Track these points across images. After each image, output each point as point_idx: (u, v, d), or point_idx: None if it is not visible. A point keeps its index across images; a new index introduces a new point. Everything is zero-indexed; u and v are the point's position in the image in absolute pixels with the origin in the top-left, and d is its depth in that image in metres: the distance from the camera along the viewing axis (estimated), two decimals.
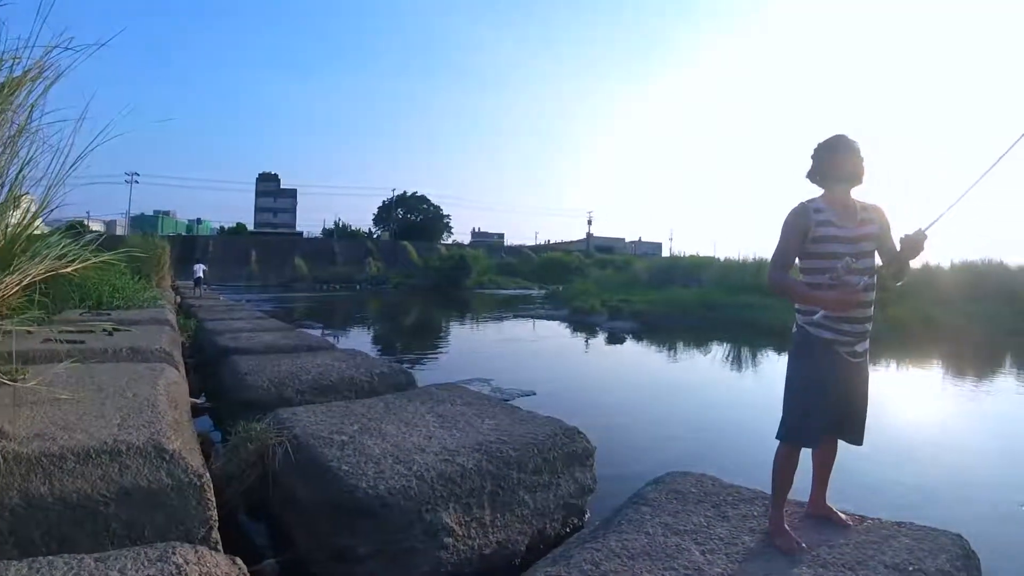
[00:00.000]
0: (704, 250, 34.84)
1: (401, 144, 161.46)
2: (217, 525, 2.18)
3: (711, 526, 2.42)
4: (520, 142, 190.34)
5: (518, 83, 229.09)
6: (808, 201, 2.41)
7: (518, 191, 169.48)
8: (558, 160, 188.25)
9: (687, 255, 25.49)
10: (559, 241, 73.15)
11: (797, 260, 2.38)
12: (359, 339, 10.45)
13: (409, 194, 63.80)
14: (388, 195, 64.30)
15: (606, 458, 3.61)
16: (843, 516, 2.55)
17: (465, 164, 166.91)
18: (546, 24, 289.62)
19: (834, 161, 2.36)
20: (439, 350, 9.32)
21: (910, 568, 2.11)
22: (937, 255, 16.91)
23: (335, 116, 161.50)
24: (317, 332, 10.26)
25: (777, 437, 2.42)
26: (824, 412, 2.33)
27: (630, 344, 11.55)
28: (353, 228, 60.68)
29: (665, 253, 59.22)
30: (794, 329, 2.48)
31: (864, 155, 2.36)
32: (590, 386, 7.25)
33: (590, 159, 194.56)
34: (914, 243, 2.15)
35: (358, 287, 32.84)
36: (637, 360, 9.89)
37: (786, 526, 2.38)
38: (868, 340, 2.38)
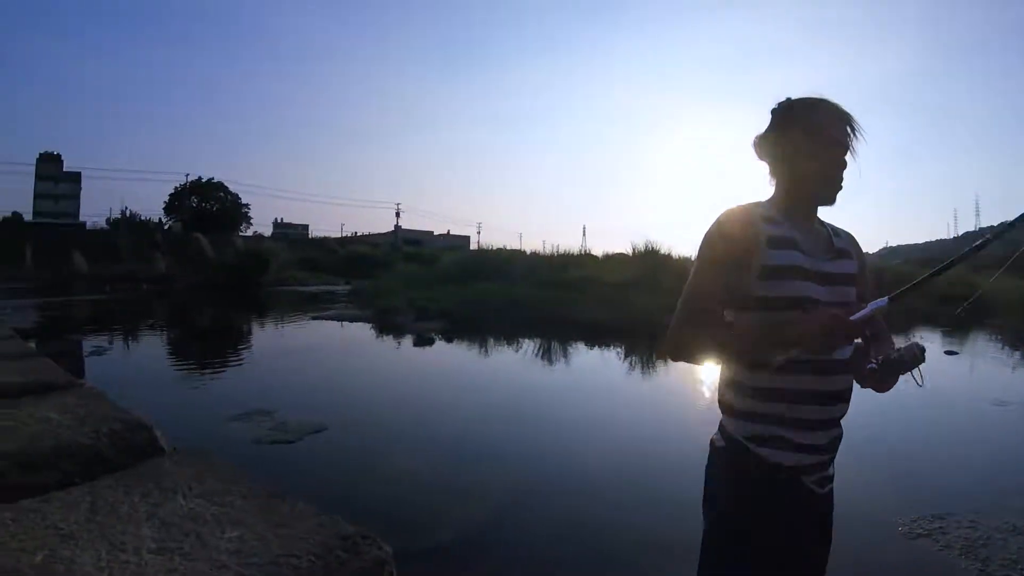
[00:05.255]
0: (511, 243, 35.34)
1: (198, 126, 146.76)
2: None
3: None
4: (326, 131, 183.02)
5: (324, 69, 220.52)
6: (753, 204, 1.39)
7: (323, 181, 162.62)
8: (366, 150, 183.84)
9: (494, 248, 25.38)
10: (366, 233, 70.93)
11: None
12: (117, 364, 8.64)
13: (205, 180, 56.98)
14: (181, 181, 56.77)
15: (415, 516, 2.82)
16: None
17: (267, 151, 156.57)
18: (363, 10, 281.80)
19: (811, 146, 1.34)
20: (217, 370, 7.92)
21: None
22: None
23: (125, 90, 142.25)
24: (87, 349, 8.45)
25: None
26: None
27: (439, 348, 10.88)
28: (143, 218, 52.70)
29: (473, 246, 59.61)
30: (719, 443, 1.39)
31: (854, 150, 1.38)
32: (394, 408, 6.30)
33: (399, 150, 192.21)
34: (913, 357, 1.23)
35: (144, 287, 28.72)
36: (447, 369, 9.19)
37: None
38: None
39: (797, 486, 1.31)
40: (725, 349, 1.31)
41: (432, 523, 3.39)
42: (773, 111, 1.42)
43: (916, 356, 1.23)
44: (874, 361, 1.25)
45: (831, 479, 1.38)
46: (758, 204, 1.39)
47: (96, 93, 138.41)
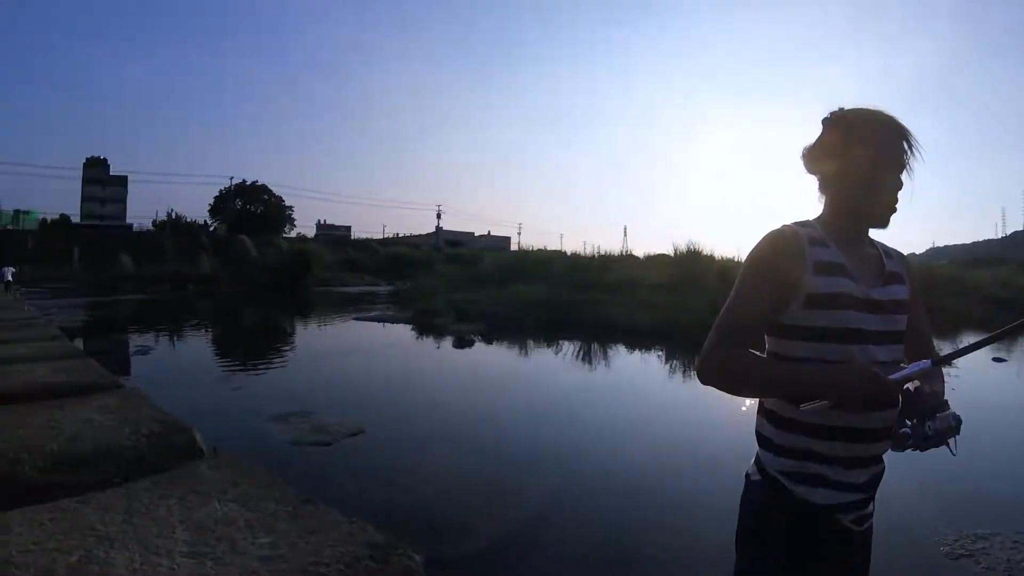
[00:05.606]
0: (552, 244, 35.28)
1: (243, 130, 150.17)
2: None
3: None
4: (369, 133, 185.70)
5: (367, 73, 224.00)
6: (799, 224, 1.27)
7: (366, 183, 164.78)
8: (408, 152, 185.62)
9: (535, 249, 25.34)
10: (408, 234, 71.74)
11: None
12: (161, 363, 8.82)
13: (249, 183, 58.65)
14: (226, 184, 58.44)
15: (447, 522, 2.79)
16: None
17: (311, 154, 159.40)
18: (396, 13, 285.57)
19: (863, 164, 1.23)
20: (259, 371, 8.05)
21: None
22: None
23: (171, 96, 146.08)
24: (132, 348, 8.65)
25: None
26: None
27: (478, 350, 10.87)
28: (188, 220, 54.37)
29: (514, 247, 59.69)
30: (754, 476, 1.30)
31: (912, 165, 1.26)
32: (431, 411, 6.27)
33: (440, 152, 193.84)
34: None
35: (189, 287, 29.49)
36: (485, 372, 9.15)
37: None
38: None
39: (834, 525, 1.22)
40: (757, 382, 1.22)
41: (463, 529, 3.36)
42: (824, 121, 1.30)
43: (952, 429, 1.13)
44: (908, 425, 1.13)
45: (871, 516, 1.28)
46: (804, 224, 1.28)
47: (143, 98, 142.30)
